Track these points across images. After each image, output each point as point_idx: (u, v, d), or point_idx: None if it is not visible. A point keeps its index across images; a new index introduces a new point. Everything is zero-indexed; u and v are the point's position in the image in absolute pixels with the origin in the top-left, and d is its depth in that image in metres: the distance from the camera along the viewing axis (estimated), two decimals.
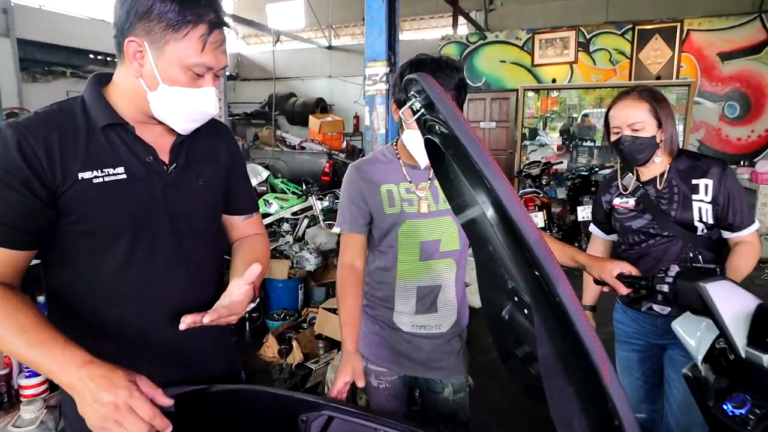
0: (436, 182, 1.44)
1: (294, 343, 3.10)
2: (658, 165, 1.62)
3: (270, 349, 3.19)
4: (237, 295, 0.98)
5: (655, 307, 1.53)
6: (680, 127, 6.54)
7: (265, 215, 5.11)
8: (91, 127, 0.97)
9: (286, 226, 4.95)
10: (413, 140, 1.35)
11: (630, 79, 7.08)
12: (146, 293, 1.03)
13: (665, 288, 1.25)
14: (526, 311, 0.87)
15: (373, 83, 3.02)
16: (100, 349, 0.85)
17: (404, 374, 1.56)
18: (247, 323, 3.60)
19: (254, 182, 6.02)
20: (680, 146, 1.65)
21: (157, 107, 0.97)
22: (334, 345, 3.12)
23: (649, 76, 6.99)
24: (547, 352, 0.69)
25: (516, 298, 0.92)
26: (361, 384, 1.17)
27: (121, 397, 0.77)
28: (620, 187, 1.71)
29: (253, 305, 1.04)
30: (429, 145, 0.83)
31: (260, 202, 5.25)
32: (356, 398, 2.42)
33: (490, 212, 0.69)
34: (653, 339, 1.71)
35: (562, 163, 7.26)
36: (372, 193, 1.42)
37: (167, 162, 1.05)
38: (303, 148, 7.89)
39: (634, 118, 1.54)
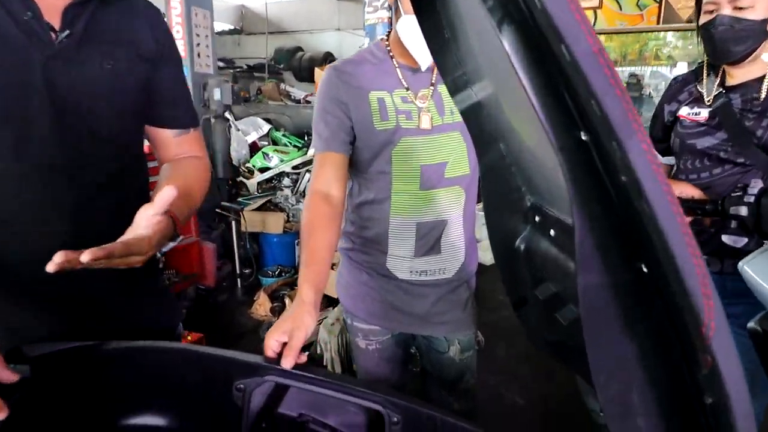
0: (441, 87, 1.12)
1: (287, 301, 2.87)
2: (760, 65, 1.19)
3: (262, 307, 2.97)
4: (144, 228, 0.71)
5: (725, 238, 1.18)
6: None
7: (265, 169, 4.85)
8: None
9: (286, 181, 4.69)
10: (412, 29, 1.04)
11: (658, 23, 6.56)
12: (16, 212, 0.76)
13: (743, 211, 0.92)
14: (552, 232, 0.58)
15: (374, 10, 2.66)
16: None
17: (400, 332, 1.30)
18: (239, 280, 3.38)
19: (255, 136, 5.73)
20: None
21: None
22: (329, 302, 2.89)
23: (680, 21, 6.46)
24: (593, 281, 0.40)
25: (537, 218, 0.64)
26: (289, 361, 0.75)
27: None
28: (696, 93, 1.29)
29: (173, 244, 0.76)
30: None
31: (259, 155, 4.99)
32: (351, 362, 2.18)
33: (509, 38, 0.39)
34: None
35: None
36: (357, 103, 1.11)
37: (57, 27, 0.76)
38: (308, 102, 7.54)
39: None
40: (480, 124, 0.65)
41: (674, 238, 0.32)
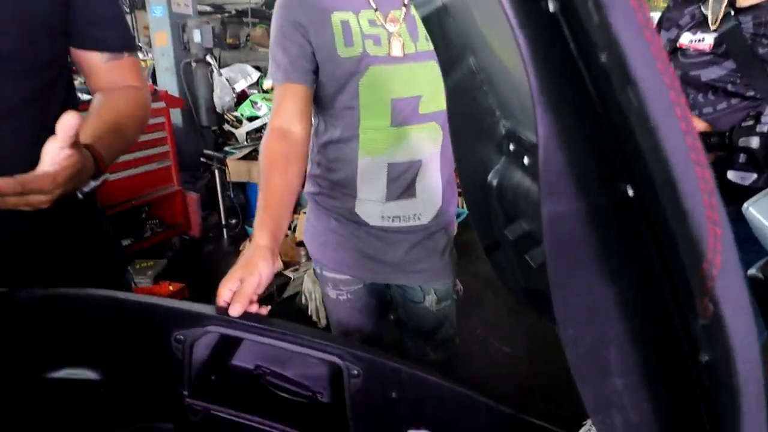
0: (414, 10, 0.99)
1: None
2: None
3: None
4: (49, 164, 0.61)
5: (731, 175, 1.07)
6: None
7: (253, 118, 4.68)
8: None
9: None
10: None
11: None
12: None
13: (754, 142, 0.82)
14: (526, 160, 0.49)
15: None
16: None
17: (372, 281, 1.23)
18: (225, 230, 3.30)
19: (244, 84, 5.53)
20: None
21: None
22: None
23: None
24: (562, 208, 0.31)
25: (512, 146, 0.54)
26: (237, 309, 0.68)
27: None
28: (700, 16, 1.16)
29: (95, 183, 0.66)
30: None
31: (247, 103, 4.81)
32: None
33: None
34: None
35: None
36: (317, 26, 0.98)
37: None
38: None
39: None
40: (445, 32, 0.54)
41: (671, 139, 0.23)
